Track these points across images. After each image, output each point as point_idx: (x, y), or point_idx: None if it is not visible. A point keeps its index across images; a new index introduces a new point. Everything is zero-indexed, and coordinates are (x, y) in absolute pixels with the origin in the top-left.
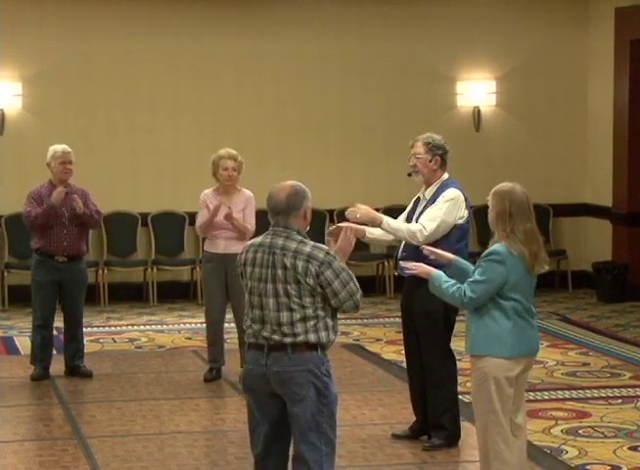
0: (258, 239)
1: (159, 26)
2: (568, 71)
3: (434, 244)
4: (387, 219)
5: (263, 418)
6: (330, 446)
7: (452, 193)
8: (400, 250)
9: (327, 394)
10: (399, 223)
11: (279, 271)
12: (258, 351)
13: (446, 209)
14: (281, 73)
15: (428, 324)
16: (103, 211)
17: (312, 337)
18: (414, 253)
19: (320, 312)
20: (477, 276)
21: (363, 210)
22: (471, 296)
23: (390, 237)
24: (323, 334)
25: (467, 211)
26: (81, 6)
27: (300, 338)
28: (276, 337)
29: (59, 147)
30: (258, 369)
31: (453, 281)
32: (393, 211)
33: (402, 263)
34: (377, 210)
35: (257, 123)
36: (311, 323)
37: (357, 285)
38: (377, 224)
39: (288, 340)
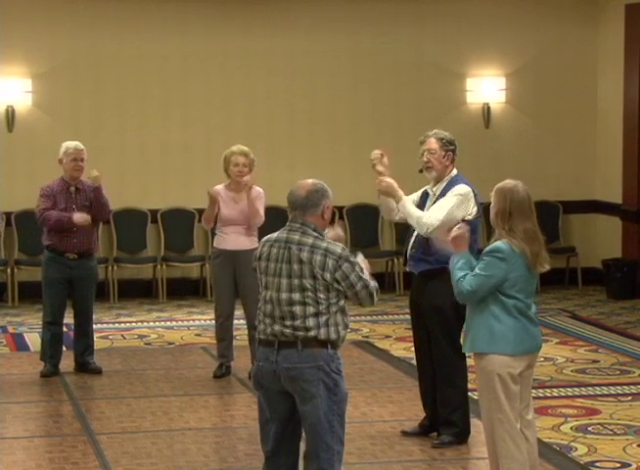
0: (274, 234)
1: (169, 23)
2: (577, 68)
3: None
4: (404, 200)
5: (273, 416)
6: (340, 444)
7: (462, 188)
8: (410, 246)
9: (337, 391)
10: (413, 210)
11: (295, 266)
12: (269, 347)
13: (455, 202)
14: (292, 71)
15: (438, 320)
16: (112, 208)
17: (322, 332)
18: (423, 249)
19: (333, 308)
20: (477, 270)
21: (386, 183)
22: (468, 288)
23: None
24: (332, 329)
25: (477, 208)
26: (92, 3)
27: (311, 333)
28: (287, 331)
29: (71, 143)
30: (269, 366)
31: (464, 272)
32: None
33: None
34: None
35: (268, 120)
36: (323, 319)
37: (371, 277)
38: (394, 200)
39: (299, 334)
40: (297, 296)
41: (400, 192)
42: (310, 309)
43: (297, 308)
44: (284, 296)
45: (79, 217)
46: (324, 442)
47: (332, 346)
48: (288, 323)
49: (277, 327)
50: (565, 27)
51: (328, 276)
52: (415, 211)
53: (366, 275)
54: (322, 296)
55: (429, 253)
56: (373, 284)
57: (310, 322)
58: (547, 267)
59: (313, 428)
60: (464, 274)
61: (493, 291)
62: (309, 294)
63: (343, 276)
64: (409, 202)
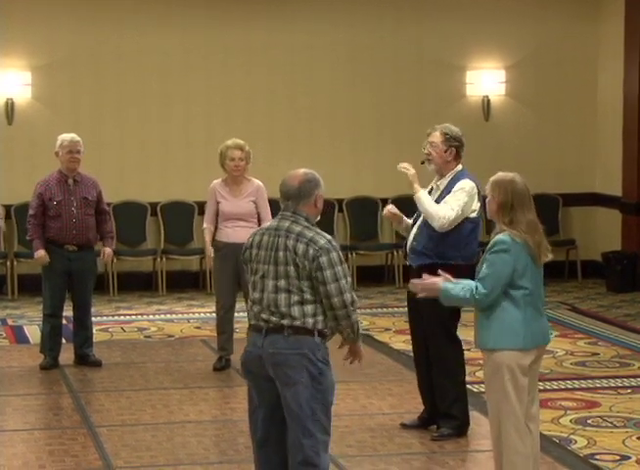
0: (267, 224)
1: (170, 17)
2: (578, 61)
3: (445, 236)
4: (421, 195)
5: (261, 402)
6: (324, 433)
7: (467, 184)
8: (410, 239)
9: (321, 380)
10: (428, 206)
11: (280, 253)
12: (257, 332)
13: (463, 199)
14: (292, 65)
15: (434, 313)
16: (112, 201)
17: (310, 321)
18: (424, 242)
19: (318, 297)
20: (485, 270)
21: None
22: (483, 292)
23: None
24: (320, 318)
25: (479, 204)
26: None
27: (298, 322)
28: (274, 318)
29: (67, 136)
30: (256, 351)
31: (460, 284)
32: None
33: (411, 284)
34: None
35: (268, 114)
36: (309, 307)
37: (352, 293)
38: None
39: (285, 322)
40: (282, 283)
41: (417, 186)
42: (294, 298)
43: (283, 296)
44: (270, 282)
45: (39, 258)
46: (306, 428)
47: (319, 334)
48: (274, 310)
49: (265, 314)
50: (565, 20)
51: (307, 265)
52: (430, 205)
53: (346, 281)
54: (306, 283)
55: (429, 248)
56: (351, 296)
57: (296, 311)
58: (550, 256)
59: (294, 414)
60: (472, 288)
61: (505, 287)
62: (294, 281)
63: (318, 268)
64: (426, 197)
